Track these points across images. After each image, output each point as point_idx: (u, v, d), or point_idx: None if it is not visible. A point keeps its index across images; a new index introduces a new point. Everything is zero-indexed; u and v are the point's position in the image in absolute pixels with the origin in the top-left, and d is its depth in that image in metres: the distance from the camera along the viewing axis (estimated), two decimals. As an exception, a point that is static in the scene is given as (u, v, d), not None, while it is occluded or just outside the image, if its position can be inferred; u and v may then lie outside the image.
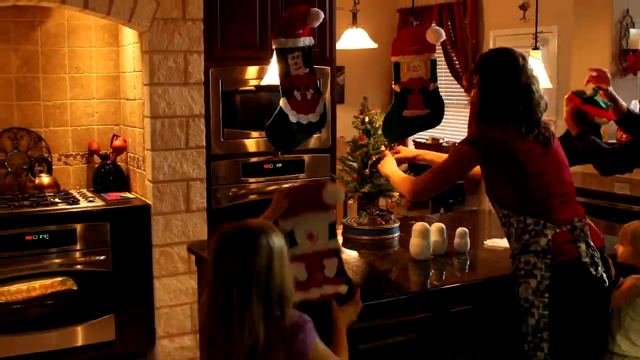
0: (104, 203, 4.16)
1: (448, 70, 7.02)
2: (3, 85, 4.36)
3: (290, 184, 4.23)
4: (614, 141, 4.93)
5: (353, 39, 4.90)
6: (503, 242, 2.94)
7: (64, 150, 4.57)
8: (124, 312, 4.12)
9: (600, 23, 5.35)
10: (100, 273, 4.03)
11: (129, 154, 4.56)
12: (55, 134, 4.53)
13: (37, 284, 3.92)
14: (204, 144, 4.19)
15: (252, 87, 4.39)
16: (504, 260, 3.03)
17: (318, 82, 3.15)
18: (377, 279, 2.84)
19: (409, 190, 2.82)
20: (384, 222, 3.31)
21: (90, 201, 4.18)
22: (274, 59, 3.06)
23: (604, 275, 2.56)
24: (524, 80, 2.62)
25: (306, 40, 3.04)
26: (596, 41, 5.37)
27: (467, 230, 3.10)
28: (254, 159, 4.42)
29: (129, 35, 4.34)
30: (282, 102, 3.04)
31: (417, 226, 2.93)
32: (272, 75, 3.14)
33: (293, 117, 3.05)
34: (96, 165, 4.58)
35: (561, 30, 5.71)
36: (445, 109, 3.34)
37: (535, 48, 4.11)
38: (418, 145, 7.29)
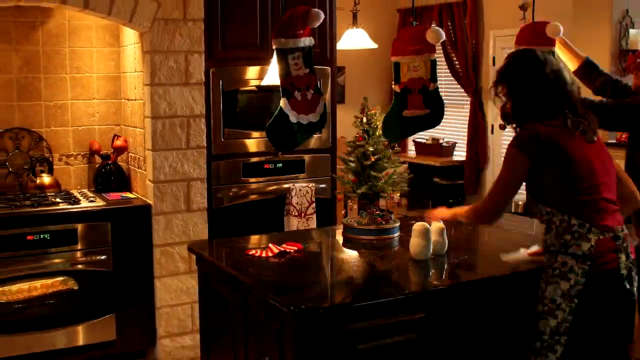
0: (104, 203, 4.18)
1: (448, 71, 7.03)
2: (4, 86, 4.37)
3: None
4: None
5: (353, 39, 4.92)
6: (519, 255, 2.91)
7: (65, 150, 4.58)
8: (124, 311, 4.13)
9: (599, 23, 5.36)
10: (101, 273, 4.04)
11: (129, 154, 4.57)
12: (57, 134, 4.55)
13: (38, 283, 3.93)
14: (205, 144, 4.20)
15: (253, 88, 4.40)
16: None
17: (318, 82, 3.16)
18: (377, 279, 2.85)
19: (481, 215, 2.80)
20: (384, 222, 3.32)
21: (91, 201, 4.19)
22: (275, 59, 3.07)
23: (634, 289, 2.55)
24: (550, 69, 2.61)
25: (306, 41, 3.06)
26: (596, 41, 5.38)
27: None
28: (255, 159, 4.43)
29: (129, 36, 4.36)
30: (283, 102, 3.05)
31: (417, 226, 2.94)
32: (272, 75, 3.15)
33: (293, 117, 3.06)
34: (97, 165, 4.59)
35: (561, 31, 5.72)
36: (445, 109, 3.35)
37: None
38: (418, 145, 7.31)
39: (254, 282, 2.66)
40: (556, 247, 2.56)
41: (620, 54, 5.36)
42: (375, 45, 5.05)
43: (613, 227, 2.54)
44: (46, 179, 4.41)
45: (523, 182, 2.64)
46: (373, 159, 3.28)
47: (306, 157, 4.56)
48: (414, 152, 7.42)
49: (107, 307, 4.08)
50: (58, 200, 4.17)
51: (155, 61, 4.00)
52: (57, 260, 3.96)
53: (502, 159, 7.20)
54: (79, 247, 3.99)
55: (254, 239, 3.41)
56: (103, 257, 4.04)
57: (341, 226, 3.42)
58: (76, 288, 4.02)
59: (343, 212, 5.93)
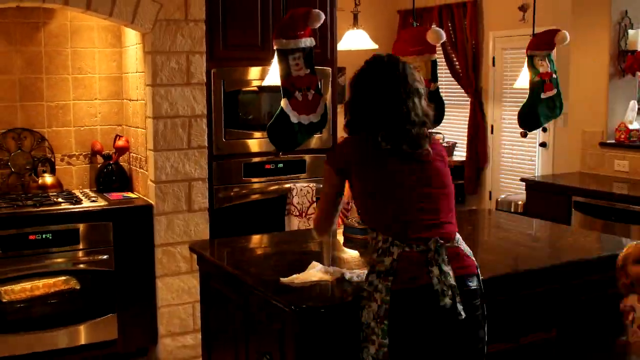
0: (106, 203, 4.19)
1: (448, 71, 7.05)
2: (7, 86, 4.39)
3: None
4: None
5: (354, 40, 4.95)
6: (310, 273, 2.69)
7: (67, 150, 4.60)
8: (126, 311, 4.15)
9: (598, 24, 5.38)
10: (103, 272, 4.06)
11: (131, 154, 4.59)
12: (59, 135, 4.56)
13: (40, 283, 3.95)
14: (206, 144, 4.21)
15: (254, 88, 4.42)
16: (505, 259, 3.06)
17: (319, 82, 3.17)
18: (378, 277, 2.85)
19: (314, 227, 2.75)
20: (384, 222, 3.31)
21: (93, 201, 4.21)
22: (275, 59, 3.08)
23: (459, 307, 2.28)
24: (375, 83, 2.45)
25: (307, 41, 3.06)
26: (595, 42, 5.39)
27: None
28: (256, 159, 4.45)
29: (131, 37, 4.37)
30: (283, 102, 3.06)
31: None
32: (273, 76, 3.16)
33: (294, 118, 3.07)
34: (99, 166, 4.61)
35: (560, 31, 5.73)
36: (445, 109, 3.37)
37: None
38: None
39: (255, 282, 2.67)
40: (368, 268, 2.40)
41: (619, 55, 5.37)
42: (375, 46, 5.07)
43: (425, 239, 2.30)
44: (48, 179, 4.43)
45: (340, 194, 2.55)
46: None
47: (307, 158, 4.58)
48: (414, 152, 7.41)
49: (108, 306, 4.10)
50: (60, 200, 4.19)
51: (157, 62, 4.02)
52: (59, 260, 3.97)
53: (502, 159, 7.23)
54: (81, 246, 4.01)
55: (255, 238, 3.43)
56: (105, 256, 4.05)
57: (342, 226, 3.43)
58: (78, 287, 4.04)
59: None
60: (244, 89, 4.41)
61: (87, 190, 4.56)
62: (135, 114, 4.45)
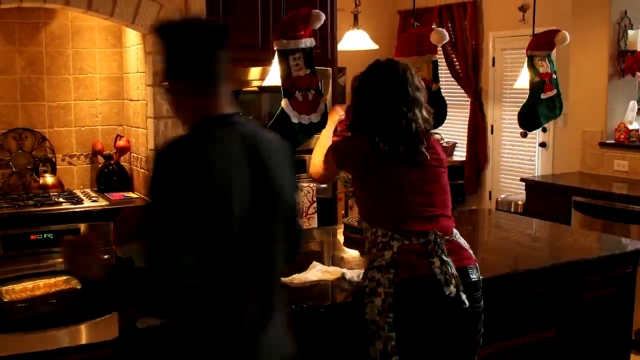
0: (107, 203, 4.20)
1: (448, 71, 7.05)
2: (8, 86, 4.40)
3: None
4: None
5: (354, 41, 4.95)
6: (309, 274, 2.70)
7: (68, 150, 4.61)
8: (127, 311, 4.15)
9: (598, 24, 5.38)
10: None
11: (132, 154, 4.60)
12: (60, 135, 4.57)
13: (41, 282, 3.96)
14: (207, 145, 4.21)
15: (254, 88, 4.43)
16: (505, 259, 3.07)
17: (319, 83, 3.18)
18: (378, 277, 2.86)
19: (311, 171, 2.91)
20: (384, 222, 3.32)
21: (94, 201, 4.22)
22: (276, 60, 3.09)
23: (463, 296, 2.30)
24: (376, 84, 2.52)
25: (307, 42, 3.07)
26: (594, 42, 5.40)
27: None
28: (256, 159, 4.44)
29: (132, 37, 4.38)
30: (284, 102, 3.07)
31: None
32: (273, 76, 3.17)
33: (295, 118, 3.08)
34: (100, 166, 4.62)
35: (560, 32, 5.74)
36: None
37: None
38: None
39: (256, 281, 2.67)
40: (367, 264, 2.43)
41: (619, 55, 5.38)
42: (376, 47, 5.07)
43: (424, 232, 2.34)
44: (49, 179, 4.44)
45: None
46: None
47: (307, 157, 4.58)
48: (414, 152, 7.42)
49: (109, 305, 4.10)
50: (61, 200, 4.19)
51: (158, 62, 4.02)
52: (60, 260, 3.97)
53: (502, 159, 7.22)
54: (82, 246, 4.01)
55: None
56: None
57: (342, 225, 3.44)
58: (79, 287, 4.04)
59: (343, 212, 5.95)
60: (245, 90, 4.41)
61: (88, 190, 4.57)
62: (136, 114, 4.46)
